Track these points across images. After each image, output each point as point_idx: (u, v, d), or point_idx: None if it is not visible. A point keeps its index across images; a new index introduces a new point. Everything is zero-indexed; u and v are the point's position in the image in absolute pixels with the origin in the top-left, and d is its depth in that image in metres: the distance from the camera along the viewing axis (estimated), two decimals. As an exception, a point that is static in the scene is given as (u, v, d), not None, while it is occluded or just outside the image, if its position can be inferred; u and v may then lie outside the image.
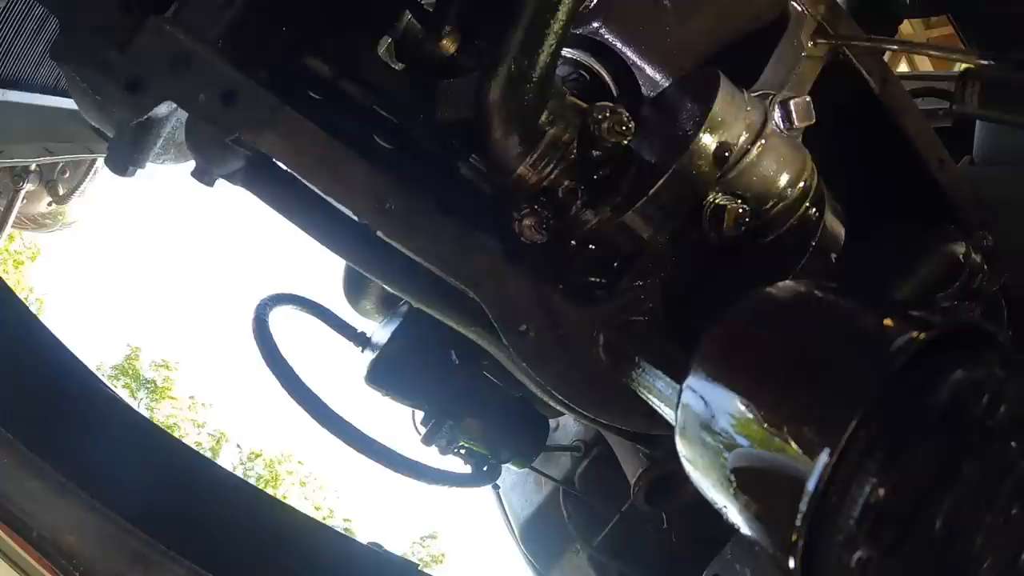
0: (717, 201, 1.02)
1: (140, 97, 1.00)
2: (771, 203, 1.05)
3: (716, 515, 1.66)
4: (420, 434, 1.58)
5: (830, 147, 1.17)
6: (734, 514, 0.70)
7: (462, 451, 1.56)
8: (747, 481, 0.67)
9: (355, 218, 1.03)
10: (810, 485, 0.59)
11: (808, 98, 1.11)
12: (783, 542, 0.61)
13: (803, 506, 0.59)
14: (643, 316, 1.06)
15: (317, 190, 1.02)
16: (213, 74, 0.98)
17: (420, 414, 1.59)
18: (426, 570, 1.59)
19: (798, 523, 0.60)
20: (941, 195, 1.37)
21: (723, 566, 1.54)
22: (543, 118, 1.01)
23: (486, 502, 2.31)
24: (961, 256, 1.33)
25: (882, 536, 0.55)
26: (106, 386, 1.53)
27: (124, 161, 1.15)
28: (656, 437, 1.45)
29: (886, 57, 1.48)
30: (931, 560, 0.55)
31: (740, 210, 1.02)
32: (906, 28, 4.82)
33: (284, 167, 1.03)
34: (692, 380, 0.76)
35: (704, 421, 0.73)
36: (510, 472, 2.14)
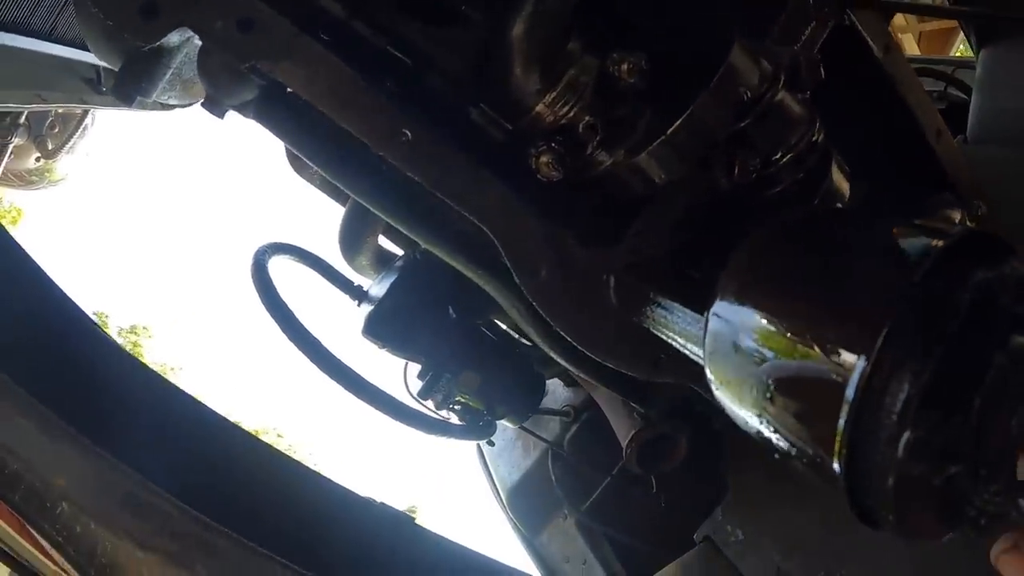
0: (729, 148, 1.04)
1: (154, 22, 0.99)
2: (780, 153, 1.06)
3: (706, 477, 1.68)
4: (409, 390, 1.58)
5: (834, 111, 1.19)
6: (769, 430, 0.71)
7: (457, 407, 1.56)
8: (784, 394, 0.68)
9: (369, 148, 1.03)
10: (849, 393, 0.60)
11: (818, 56, 1.13)
12: (826, 449, 0.63)
13: (844, 413, 0.60)
14: (651, 261, 1.07)
15: (332, 119, 1.01)
16: (232, 1, 0.98)
17: (412, 372, 1.59)
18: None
19: (840, 430, 0.61)
20: (937, 164, 1.39)
21: (714, 528, 1.55)
22: (562, 58, 1.02)
23: (464, 475, 2.32)
24: (956, 221, 1.36)
25: (924, 420, 0.57)
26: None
27: (131, 90, 1.14)
28: (650, 396, 1.46)
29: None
30: (969, 445, 0.57)
31: (751, 158, 1.04)
32: (899, 20, 4.89)
33: (299, 96, 1.02)
34: (720, 305, 0.77)
35: (736, 342, 0.74)
36: (497, 437, 2.14)
